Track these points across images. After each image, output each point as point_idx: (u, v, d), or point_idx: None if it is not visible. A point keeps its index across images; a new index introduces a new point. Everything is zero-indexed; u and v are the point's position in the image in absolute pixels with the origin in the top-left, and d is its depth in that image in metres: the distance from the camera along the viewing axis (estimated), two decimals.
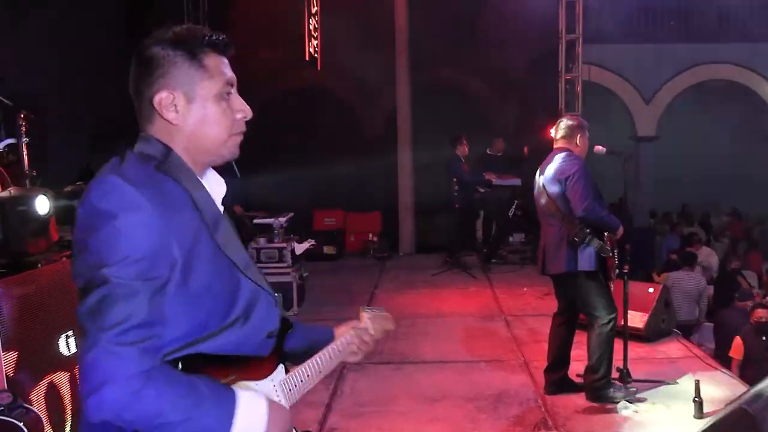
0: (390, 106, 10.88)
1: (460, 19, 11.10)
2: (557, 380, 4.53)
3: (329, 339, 1.80)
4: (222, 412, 1.27)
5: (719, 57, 14.24)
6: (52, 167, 7.61)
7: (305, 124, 11.43)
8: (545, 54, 10.50)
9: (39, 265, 3.52)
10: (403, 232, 10.57)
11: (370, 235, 10.44)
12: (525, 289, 7.53)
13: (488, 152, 9.94)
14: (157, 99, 1.40)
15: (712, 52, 14.13)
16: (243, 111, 1.49)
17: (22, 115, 5.14)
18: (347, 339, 1.80)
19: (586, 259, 4.20)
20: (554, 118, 5.84)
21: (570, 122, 4.46)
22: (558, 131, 4.45)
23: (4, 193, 3.65)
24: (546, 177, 4.31)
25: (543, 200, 4.35)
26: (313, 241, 7.32)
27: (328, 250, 9.92)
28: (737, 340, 5.80)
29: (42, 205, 3.65)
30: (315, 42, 9.71)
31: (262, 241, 6.85)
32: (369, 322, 1.91)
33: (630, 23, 13.99)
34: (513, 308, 6.84)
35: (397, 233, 10.58)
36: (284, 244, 6.82)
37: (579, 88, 10.22)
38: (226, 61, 1.48)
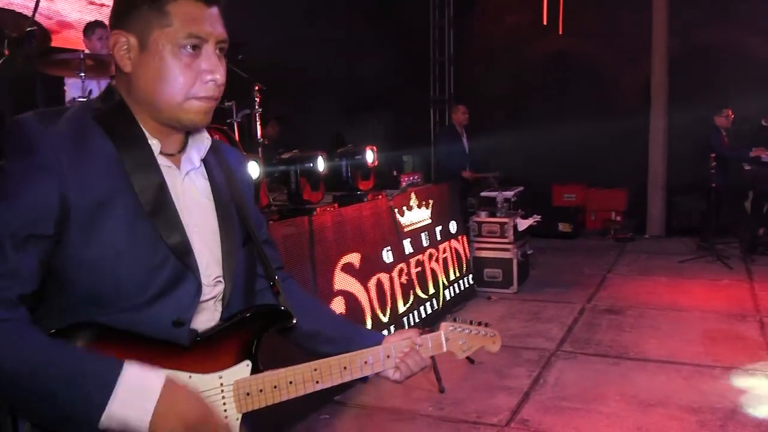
0: (645, 73, 9.83)
1: None
2: None
3: (369, 346, 1.51)
4: (96, 381, 1.12)
5: None
6: (309, 135, 8.29)
7: (551, 92, 10.83)
8: None
9: None
10: (651, 211, 9.56)
11: (613, 214, 9.64)
12: None
13: (763, 123, 8.49)
14: (112, 41, 1.25)
15: None
16: (212, 73, 1.26)
17: (256, 88, 5.56)
18: (389, 351, 1.50)
19: None
20: None
21: None
22: None
23: None
24: None
25: None
26: (538, 218, 6.90)
27: (563, 227, 9.37)
28: None
29: (252, 170, 3.83)
30: (557, 5, 9.07)
31: (483, 214, 6.64)
32: (442, 339, 1.57)
33: None
34: None
35: (644, 213, 9.61)
36: (506, 219, 6.52)
37: None
38: (209, 12, 1.27)
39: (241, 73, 5.63)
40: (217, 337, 1.31)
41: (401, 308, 4.97)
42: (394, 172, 6.22)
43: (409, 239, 5.34)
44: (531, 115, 10.57)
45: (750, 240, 8.00)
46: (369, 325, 4.49)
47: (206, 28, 1.26)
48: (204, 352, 1.29)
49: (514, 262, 6.48)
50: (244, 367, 1.33)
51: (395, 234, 4.80)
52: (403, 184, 5.17)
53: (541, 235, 8.44)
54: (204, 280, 1.30)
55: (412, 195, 5.60)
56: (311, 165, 4.37)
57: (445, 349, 1.60)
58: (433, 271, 5.62)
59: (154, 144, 1.29)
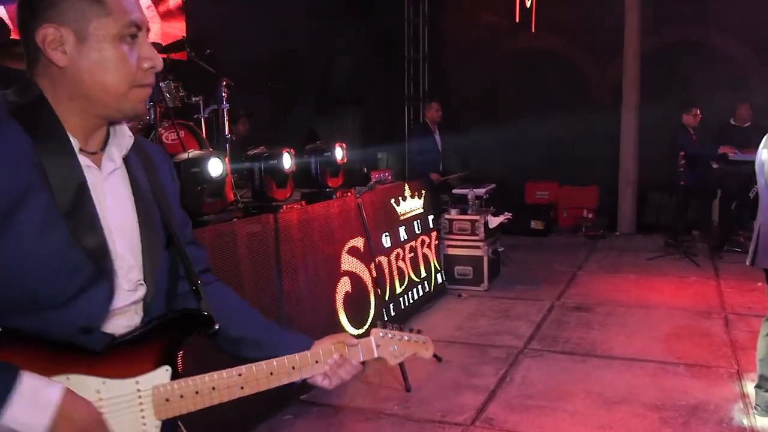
0: (617, 70, 9.89)
1: None
2: None
3: (297, 351, 1.47)
4: None
5: None
6: (282, 132, 8.23)
7: (524, 89, 10.86)
8: None
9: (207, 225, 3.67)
10: (622, 209, 9.63)
11: (585, 211, 9.71)
12: (760, 283, 6.35)
13: (732, 122, 8.60)
14: (40, 35, 1.19)
15: None
16: (151, 60, 1.24)
17: (224, 83, 5.48)
18: (318, 356, 1.48)
19: None
20: None
21: None
22: None
23: (183, 155, 3.86)
24: (766, 152, 3.48)
25: (760, 180, 3.53)
26: (509, 215, 6.90)
27: (535, 224, 9.40)
28: None
29: (215, 167, 3.80)
30: (528, 2, 9.09)
31: (454, 212, 6.64)
32: (372, 345, 1.55)
33: None
34: (738, 305, 5.82)
35: (615, 210, 9.68)
36: (477, 217, 6.52)
37: None
38: None
39: (208, 68, 5.56)
40: (134, 342, 1.26)
41: (370, 314, 4.95)
42: (364, 169, 6.19)
43: (387, 234, 5.37)
44: (504, 113, 10.59)
45: (717, 237, 8.09)
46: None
47: (140, 15, 1.24)
48: (120, 357, 1.24)
49: (485, 259, 6.48)
50: (164, 373, 1.28)
51: (363, 230, 4.77)
52: (372, 181, 5.14)
53: (514, 232, 8.47)
54: (124, 284, 1.26)
55: (406, 186, 5.89)
56: (277, 162, 4.31)
57: (376, 355, 1.57)
58: (400, 269, 5.62)
59: (75, 142, 1.23)
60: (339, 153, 5.15)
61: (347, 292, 4.74)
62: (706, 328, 5.30)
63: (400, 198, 5.84)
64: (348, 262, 4.79)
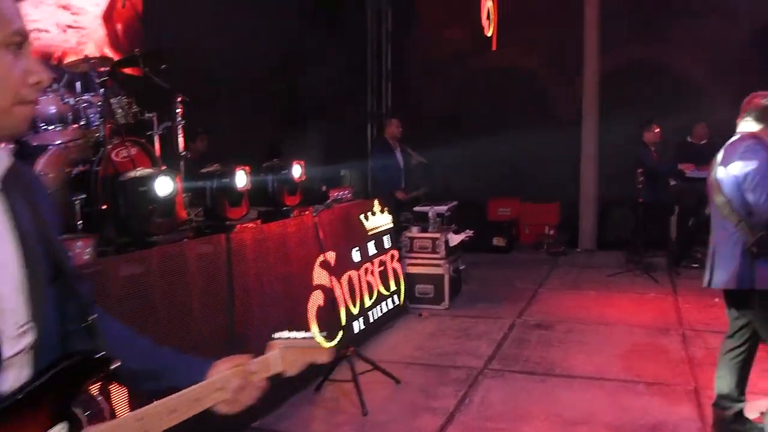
0: (577, 88, 10.01)
1: None
2: (728, 419, 3.69)
3: (195, 378, 1.37)
4: None
5: None
6: (243, 149, 8.07)
7: (487, 106, 10.92)
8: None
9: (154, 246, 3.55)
10: (583, 225, 9.71)
11: (547, 228, 9.74)
12: (717, 300, 6.41)
13: (689, 140, 8.74)
14: None
15: None
16: (39, 74, 1.13)
17: (179, 99, 5.35)
18: (219, 383, 1.38)
19: (766, 276, 3.34)
20: None
21: (762, 101, 3.55)
22: (744, 112, 3.59)
23: (130, 174, 3.73)
24: (722, 170, 3.50)
25: (717, 198, 3.54)
26: (470, 233, 6.88)
27: (497, 241, 9.41)
28: None
29: (163, 186, 3.68)
30: (490, 22, 9.16)
31: (414, 230, 6.58)
32: (274, 359, 1.48)
33: None
34: (695, 321, 5.86)
35: (577, 227, 9.75)
36: (438, 235, 6.48)
37: None
38: (21, 6, 1.13)
39: (162, 83, 5.42)
40: (22, 402, 1.10)
41: (341, 327, 4.85)
42: (323, 187, 6.10)
43: (357, 249, 5.42)
44: (468, 130, 10.62)
45: (675, 254, 8.19)
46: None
47: (26, 25, 1.12)
48: (7, 421, 1.08)
49: (446, 277, 6.44)
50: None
51: (320, 250, 4.68)
52: (330, 200, 5.06)
53: (476, 249, 8.45)
54: (8, 331, 1.11)
55: (376, 202, 6.05)
56: (230, 180, 4.21)
57: (280, 369, 1.50)
58: (369, 283, 5.63)
59: None
60: (297, 171, 5.07)
61: (319, 305, 4.75)
62: (665, 344, 5.31)
63: (369, 213, 5.91)
64: (320, 277, 4.81)
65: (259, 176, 5.02)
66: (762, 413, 3.71)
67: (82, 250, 3.13)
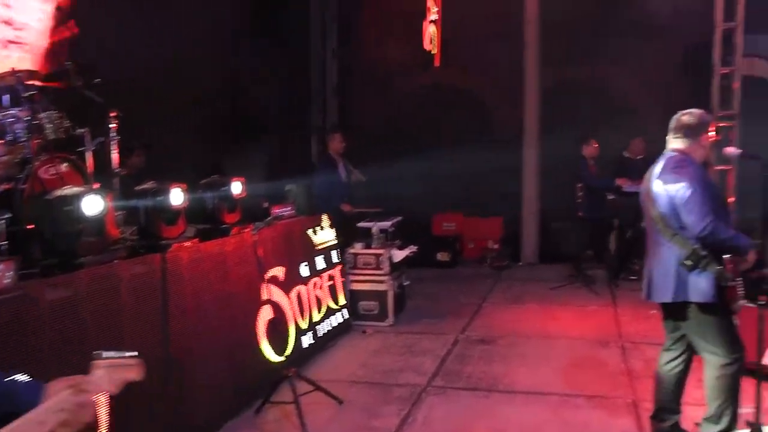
0: (518, 105, 10.18)
1: (598, 8, 10.14)
2: (666, 430, 3.75)
3: (33, 401, 1.36)
4: None
5: None
6: (184, 164, 7.88)
7: (431, 122, 11.01)
8: (699, 45, 9.34)
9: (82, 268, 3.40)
10: (526, 239, 9.85)
11: (490, 242, 9.83)
12: (654, 311, 6.57)
13: (626, 155, 8.98)
14: None
15: None
16: None
17: (112, 114, 5.19)
18: (53, 406, 1.36)
19: (700, 289, 3.43)
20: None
21: (690, 118, 3.66)
22: (674, 129, 3.69)
23: (56, 192, 3.58)
24: (656, 185, 3.57)
25: (651, 212, 3.62)
26: (414, 248, 6.88)
27: (442, 256, 9.45)
28: None
29: (92, 204, 3.53)
30: (433, 39, 9.24)
31: (358, 246, 6.54)
32: (101, 375, 1.48)
33: None
34: (634, 333, 5.98)
35: (519, 241, 9.88)
36: (381, 251, 6.45)
37: (736, 84, 8.97)
38: None
39: (95, 97, 5.25)
40: None
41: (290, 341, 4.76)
42: (264, 204, 6.00)
43: (305, 264, 5.27)
44: (412, 145, 10.66)
45: (614, 266, 8.37)
46: None
47: None
48: None
49: (390, 294, 6.40)
50: None
51: (259, 268, 4.58)
52: (270, 217, 4.97)
53: (420, 264, 8.44)
54: None
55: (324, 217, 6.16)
56: (165, 198, 4.08)
57: (105, 388, 1.47)
58: (318, 297, 5.70)
59: None
60: (236, 187, 4.97)
61: (268, 320, 4.73)
62: (605, 357, 5.40)
63: (317, 228, 5.98)
64: (268, 292, 4.78)
65: (198, 193, 4.90)
66: (697, 424, 3.79)
67: (3, 273, 2.96)
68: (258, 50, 9.36)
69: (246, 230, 4.83)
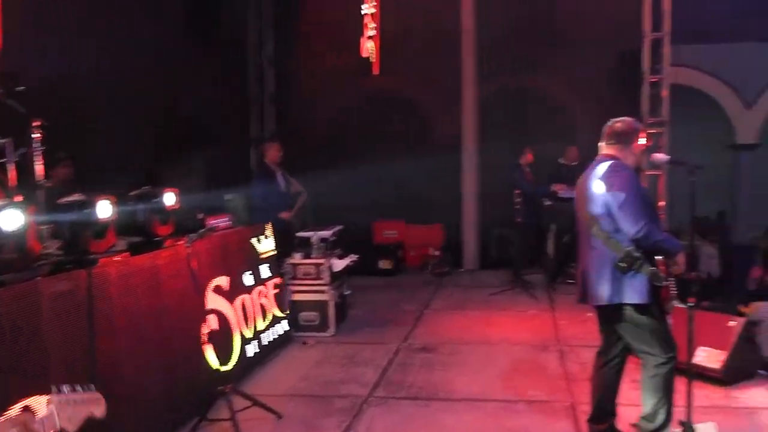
0: (457, 114, 10.28)
1: (533, 19, 10.36)
2: None
3: None
4: None
5: None
6: (117, 175, 7.60)
7: (373, 131, 11.01)
8: (629, 54, 9.65)
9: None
10: (466, 246, 9.94)
11: (431, 249, 9.87)
12: (590, 314, 6.70)
13: (561, 161, 9.17)
14: None
15: None
16: None
17: (36, 124, 4.97)
18: None
19: (635, 290, 3.50)
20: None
21: (621, 125, 3.75)
22: (606, 136, 3.77)
23: None
24: (589, 190, 3.64)
25: (585, 216, 3.68)
26: (355, 257, 6.84)
27: (384, 264, 9.43)
28: None
29: (10, 219, 3.34)
30: (371, 47, 9.24)
31: (297, 256, 6.45)
32: (52, 412, 1.43)
33: (729, 19, 12.71)
34: (571, 337, 6.09)
35: (460, 247, 9.96)
36: (322, 260, 6.38)
37: (665, 92, 9.30)
38: None
39: (17, 107, 5.02)
40: None
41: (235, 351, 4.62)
42: (199, 215, 5.84)
43: (250, 272, 5.24)
44: (353, 154, 10.66)
45: (552, 270, 8.52)
46: None
47: None
48: None
49: (331, 304, 6.34)
50: None
51: (193, 281, 4.44)
52: (204, 228, 4.84)
53: (362, 273, 8.41)
54: None
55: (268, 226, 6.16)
56: (91, 211, 3.91)
57: (58, 426, 1.42)
58: (263, 306, 5.65)
59: None
60: (169, 199, 4.82)
61: (212, 330, 4.62)
62: (543, 361, 5.46)
63: (262, 237, 6.00)
64: (213, 301, 4.78)
65: (129, 205, 4.73)
66: (632, 425, 3.86)
67: None
68: (193, 58, 9.17)
69: (180, 243, 4.69)
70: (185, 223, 5.31)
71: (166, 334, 4.29)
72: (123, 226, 4.53)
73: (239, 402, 4.24)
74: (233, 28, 10.59)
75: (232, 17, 10.46)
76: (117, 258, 4.13)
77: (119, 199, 4.47)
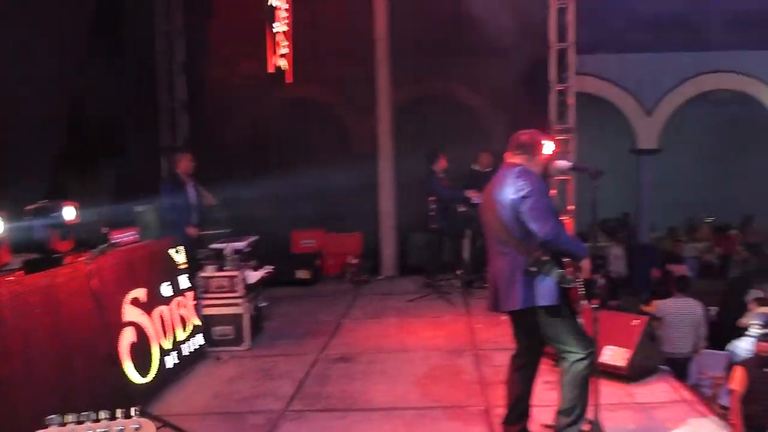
0: (372, 123, 10.31)
1: (444, 28, 10.53)
2: None
3: None
4: None
5: (724, 66, 13.61)
6: (17, 188, 7.16)
7: (289, 139, 10.87)
8: (536, 64, 9.98)
9: None
10: (384, 253, 9.95)
11: (350, 257, 9.84)
12: (504, 317, 6.83)
13: (474, 168, 9.34)
14: None
15: (717, 60, 13.51)
16: None
17: None
18: None
19: (546, 293, 3.59)
20: (545, 131, 5.23)
21: (526, 137, 3.85)
22: (513, 146, 3.85)
23: None
24: (497, 197, 3.70)
25: (493, 222, 3.74)
26: (270, 268, 6.72)
27: (301, 274, 9.33)
28: (739, 371, 5.10)
29: None
30: (283, 54, 9.15)
31: (210, 269, 6.27)
32: None
33: (629, 31, 13.41)
34: (486, 341, 6.19)
35: (379, 255, 9.98)
36: (235, 273, 6.23)
37: (571, 99, 9.67)
38: None
39: None
40: None
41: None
42: (104, 229, 5.59)
43: (168, 283, 4.86)
44: (270, 162, 10.52)
45: (468, 275, 8.65)
46: None
47: None
48: None
49: (245, 317, 6.19)
50: None
51: (94, 300, 4.24)
52: (106, 244, 4.63)
53: (279, 283, 8.26)
54: None
55: None
56: None
57: None
58: (182, 317, 5.52)
59: None
60: (69, 213, 4.57)
61: (131, 342, 4.61)
62: (460, 366, 5.53)
63: (180, 248, 5.93)
64: (131, 313, 4.71)
65: (24, 221, 4.46)
66: (545, 425, 3.95)
67: None
68: (99, 66, 8.79)
69: (80, 259, 4.47)
70: (87, 239, 5.06)
71: (71, 354, 4.06)
72: (20, 243, 4.28)
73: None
74: (139, 30, 10.22)
75: (137, 18, 10.10)
76: (10, 277, 3.89)
77: (13, 214, 4.23)
